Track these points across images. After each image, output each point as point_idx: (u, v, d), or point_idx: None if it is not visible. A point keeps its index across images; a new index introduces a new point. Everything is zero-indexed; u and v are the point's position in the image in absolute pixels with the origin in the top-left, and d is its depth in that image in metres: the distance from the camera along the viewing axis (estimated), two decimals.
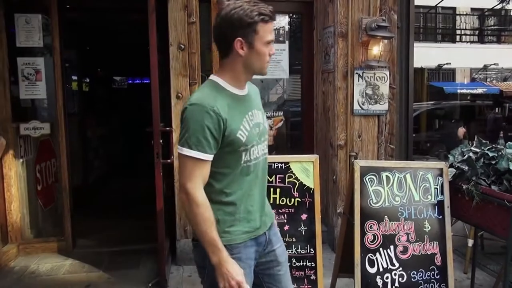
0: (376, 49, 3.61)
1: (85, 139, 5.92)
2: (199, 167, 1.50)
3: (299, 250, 2.68)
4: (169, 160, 3.26)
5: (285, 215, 2.70)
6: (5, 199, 3.64)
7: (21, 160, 3.78)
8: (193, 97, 1.54)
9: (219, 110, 1.48)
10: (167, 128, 3.37)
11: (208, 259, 1.52)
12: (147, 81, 9.86)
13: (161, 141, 3.05)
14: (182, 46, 3.45)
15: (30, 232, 3.89)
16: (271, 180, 2.68)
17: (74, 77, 7.71)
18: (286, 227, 2.69)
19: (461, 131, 7.10)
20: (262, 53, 1.55)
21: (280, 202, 2.70)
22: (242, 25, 1.49)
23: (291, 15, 4.26)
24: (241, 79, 1.61)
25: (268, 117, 4.19)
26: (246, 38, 1.51)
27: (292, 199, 2.71)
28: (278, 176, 2.70)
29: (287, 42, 4.14)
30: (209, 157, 1.51)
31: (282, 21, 4.15)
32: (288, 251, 2.66)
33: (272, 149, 4.22)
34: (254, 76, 1.64)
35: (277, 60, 4.10)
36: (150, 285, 3.23)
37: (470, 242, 3.38)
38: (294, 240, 2.69)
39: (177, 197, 3.46)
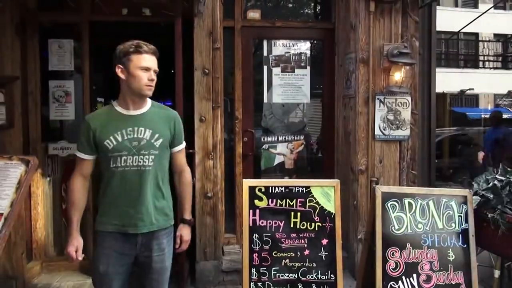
0: (397, 75, 3.63)
1: None
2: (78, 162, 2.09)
3: (319, 275, 2.65)
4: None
5: (306, 239, 2.69)
6: (32, 217, 3.74)
7: (48, 179, 3.89)
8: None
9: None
10: (190, 150, 3.43)
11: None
12: (169, 103, 10.04)
13: None
14: (207, 71, 3.55)
15: (54, 250, 3.96)
16: (292, 203, 2.69)
17: (100, 99, 7.94)
18: (307, 252, 2.67)
19: (480, 155, 7.01)
20: (138, 76, 1.98)
21: (301, 226, 2.69)
22: (120, 56, 2.01)
23: (312, 41, 4.33)
24: (127, 101, 2.06)
25: (288, 141, 4.23)
26: (123, 65, 2.00)
27: (313, 224, 2.70)
28: (299, 200, 2.70)
29: (308, 67, 4.20)
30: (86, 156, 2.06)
31: (304, 46, 4.22)
32: (308, 277, 2.64)
33: (293, 173, 4.23)
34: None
35: (298, 85, 4.16)
36: None
37: (497, 273, 3.27)
38: (314, 265, 2.66)
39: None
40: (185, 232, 2.23)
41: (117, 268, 2.07)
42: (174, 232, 2.24)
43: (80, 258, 2.10)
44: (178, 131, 2.19)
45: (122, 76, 2.03)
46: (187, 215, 2.25)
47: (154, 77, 2.05)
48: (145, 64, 2.00)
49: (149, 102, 2.14)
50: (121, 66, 2.02)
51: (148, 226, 2.07)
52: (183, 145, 2.25)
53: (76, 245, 2.08)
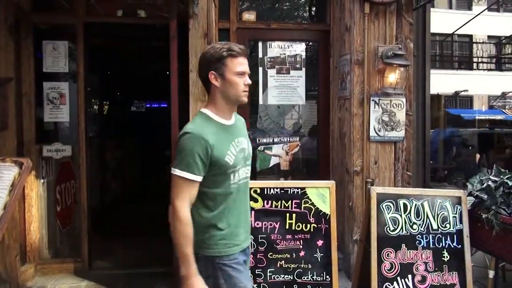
0: (392, 77, 3.64)
1: (104, 162, 6.02)
2: (187, 186, 1.72)
3: (314, 277, 2.65)
4: None
5: (301, 241, 2.69)
6: (25, 219, 3.71)
7: (42, 181, 3.86)
8: (187, 127, 1.77)
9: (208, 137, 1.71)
10: None
11: (210, 268, 1.76)
12: (165, 105, 9.97)
13: None
14: None
15: (48, 253, 3.93)
16: (287, 205, 2.69)
17: (94, 100, 7.91)
18: (302, 253, 2.67)
19: (477, 156, 7.14)
20: (234, 82, 1.78)
21: (296, 228, 2.70)
22: (213, 61, 1.77)
23: (308, 43, 4.34)
24: (224, 110, 1.84)
25: (284, 142, 4.23)
26: (217, 71, 1.77)
27: (308, 225, 2.70)
28: (294, 201, 2.71)
29: (303, 69, 4.20)
30: (199, 178, 1.74)
31: (299, 48, 4.23)
32: (304, 278, 2.64)
33: (288, 174, 4.23)
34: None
35: (293, 87, 4.17)
36: None
37: (491, 274, 3.28)
38: (309, 266, 2.67)
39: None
40: None
41: (251, 283, 1.96)
42: None
43: None
44: None
45: (216, 83, 1.79)
46: None
47: (250, 81, 1.85)
48: (241, 69, 1.79)
49: None
50: (215, 73, 1.78)
51: (249, 237, 2.01)
52: None
53: None
